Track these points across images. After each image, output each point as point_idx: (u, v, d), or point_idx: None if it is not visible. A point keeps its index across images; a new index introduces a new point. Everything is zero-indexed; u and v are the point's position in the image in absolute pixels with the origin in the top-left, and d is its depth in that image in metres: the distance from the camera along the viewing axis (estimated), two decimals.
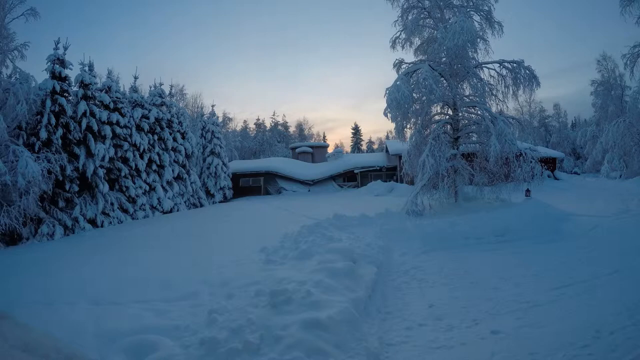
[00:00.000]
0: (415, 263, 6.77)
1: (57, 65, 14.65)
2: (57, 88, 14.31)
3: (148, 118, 19.21)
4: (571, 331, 3.62)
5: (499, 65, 12.19)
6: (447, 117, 12.98)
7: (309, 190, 26.91)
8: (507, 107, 12.52)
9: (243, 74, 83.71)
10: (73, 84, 15.59)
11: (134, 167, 17.50)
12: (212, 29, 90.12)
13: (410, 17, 13.05)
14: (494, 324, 3.95)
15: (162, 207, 18.54)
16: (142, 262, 7.66)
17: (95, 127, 15.57)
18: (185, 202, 20.65)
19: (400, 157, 19.11)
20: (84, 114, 15.36)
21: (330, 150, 37.74)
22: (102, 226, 14.83)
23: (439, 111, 13.35)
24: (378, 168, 27.35)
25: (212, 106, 27.41)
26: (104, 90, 16.84)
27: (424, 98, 11.80)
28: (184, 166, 21.37)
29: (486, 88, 12.18)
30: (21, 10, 13.48)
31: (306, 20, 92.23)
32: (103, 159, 15.50)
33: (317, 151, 34.23)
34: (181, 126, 21.63)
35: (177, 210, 19.51)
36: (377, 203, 15.17)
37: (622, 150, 25.22)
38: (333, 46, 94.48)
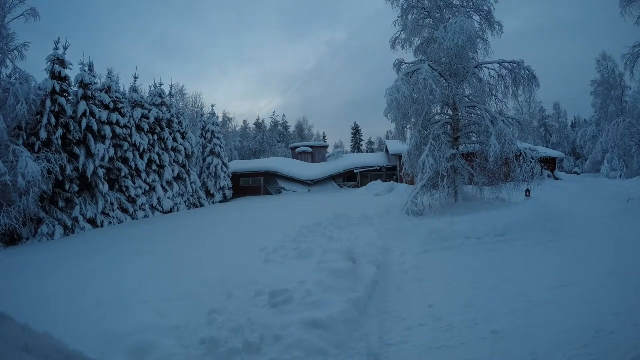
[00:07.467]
0: (415, 263, 6.76)
1: (57, 65, 14.65)
2: (57, 88, 14.32)
3: (148, 118, 19.22)
4: (571, 331, 3.61)
5: (499, 65, 12.19)
6: (447, 117, 12.99)
7: (309, 190, 26.91)
8: (507, 107, 12.53)
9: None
10: (73, 84, 15.62)
11: (134, 167, 17.51)
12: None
13: (410, 18, 13.05)
14: (494, 324, 3.94)
15: (162, 207, 18.55)
16: (142, 262, 7.65)
17: (95, 127, 15.58)
18: (185, 202, 20.66)
19: (400, 157, 19.11)
20: (84, 114, 15.37)
21: (330, 150, 37.74)
22: (102, 226, 14.84)
23: (439, 111, 13.35)
24: (378, 168, 27.36)
25: (212, 106, 27.48)
26: (104, 91, 16.85)
27: (424, 98, 11.81)
28: (184, 166, 21.37)
29: (486, 88, 12.18)
30: (21, 10, 13.53)
31: None
32: (103, 159, 15.50)
33: (317, 151, 34.24)
34: (181, 126, 21.64)
35: (177, 210, 19.52)
36: (377, 203, 15.18)
37: (622, 150, 25.22)
38: None
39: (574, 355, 3.19)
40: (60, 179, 13.72)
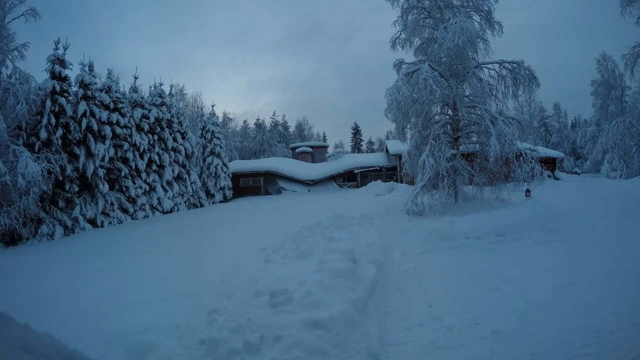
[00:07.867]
0: (415, 263, 6.76)
1: (57, 65, 14.66)
2: (57, 88, 14.33)
3: (148, 118, 19.22)
4: (571, 331, 3.61)
5: (499, 65, 12.18)
6: (447, 117, 12.99)
7: (309, 190, 26.91)
8: (507, 107, 12.52)
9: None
10: (73, 84, 15.62)
11: (134, 167, 17.51)
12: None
13: (410, 17, 13.04)
14: (494, 324, 3.94)
15: (162, 207, 18.55)
16: (142, 262, 7.66)
17: (95, 127, 15.58)
18: (185, 202, 20.66)
19: (400, 157, 19.12)
20: (84, 114, 15.37)
21: (330, 150, 37.75)
22: (102, 226, 14.84)
23: (439, 111, 13.34)
24: (378, 168, 27.36)
25: (212, 106, 27.48)
26: (104, 90, 16.85)
27: (424, 98, 11.81)
28: (184, 166, 21.38)
29: (486, 88, 12.17)
30: (21, 10, 13.55)
31: None
32: (103, 159, 15.50)
33: (317, 151, 34.25)
34: (181, 126, 21.65)
35: (177, 210, 19.52)
36: (377, 203, 15.19)
37: (622, 150, 25.24)
38: None
39: (574, 355, 3.19)
40: (60, 179, 13.72)
